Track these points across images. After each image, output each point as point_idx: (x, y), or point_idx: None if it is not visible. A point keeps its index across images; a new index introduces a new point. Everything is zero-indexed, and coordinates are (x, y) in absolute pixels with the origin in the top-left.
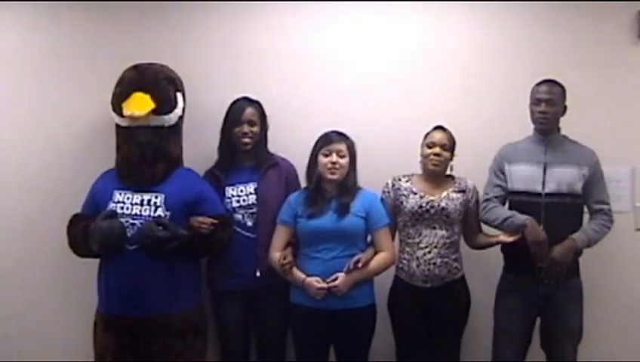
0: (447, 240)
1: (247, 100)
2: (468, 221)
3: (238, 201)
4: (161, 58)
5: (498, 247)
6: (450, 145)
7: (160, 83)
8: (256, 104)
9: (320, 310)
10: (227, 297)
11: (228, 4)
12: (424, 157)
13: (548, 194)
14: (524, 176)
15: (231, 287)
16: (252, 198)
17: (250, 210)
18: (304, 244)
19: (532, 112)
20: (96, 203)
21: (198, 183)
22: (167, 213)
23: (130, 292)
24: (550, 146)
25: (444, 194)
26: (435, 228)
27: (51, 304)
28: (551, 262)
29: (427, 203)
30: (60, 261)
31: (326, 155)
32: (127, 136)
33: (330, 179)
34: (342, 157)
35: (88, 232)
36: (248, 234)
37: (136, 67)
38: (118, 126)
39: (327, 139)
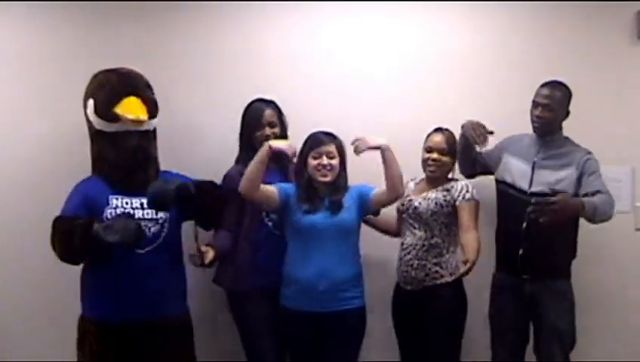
0: (426, 243)
1: (263, 102)
2: (458, 218)
3: None
4: (159, 59)
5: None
6: (450, 149)
7: (146, 87)
8: (273, 104)
9: (310, 313)
10: (255, 296)
11: (226, 4)
12: (423, 161)
13: (533, 193)
14: (514, 170)
15: (260, 286)
16: None
17: None
18: (297, 243)
19: (530, 113)
20: (90, 208)
21: (182, 178)
22: (167, 215)
23: (142, 296)
24: (544, 147)
25: (424, 194)
26: (415, 228)
27: (40, 308)
28: (548, 201)
29: (406, 202)
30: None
31: (315, 158)
32: (115, 141)
33: (323, 181)
34: (332, 158)
35: (94, 228)
36: (278, 232)
37: (114, 71)
38: (100, 132)
39: (315, 141)
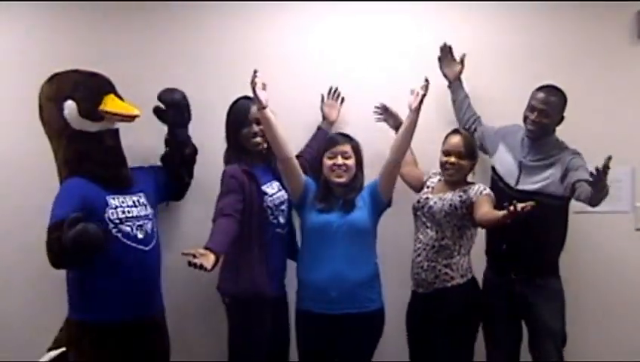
0: (436, 243)
1: (249, 99)
2: (476, 208)
3: (273, 201)
4: (150, 60)
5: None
6: (468, 151)
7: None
8: None
9: (324, 315)
10: (263, 303)
11: (218, 4)
12: (441, 164)
13: (519, 191)
14: (505, 164)
15: (270, 291)
16: (280, 195)
17: (281, 208)
18: (311, 244)
19: (524, 116)
20: (88, 210)
21: (147, 169)
22: (152, 210)
23: (148, 293)
24: (533, 150)
25: (440, 194)
26: (427, 227)
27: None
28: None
29: (423, 200)
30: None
31: (330, 158)
32: (100, 141)
33: (338, 182)
34: (347, 158)
35: (62, 244)
36: (282, 231)
37: (76, 72)
38: (80, 133)
39: (330, 141)
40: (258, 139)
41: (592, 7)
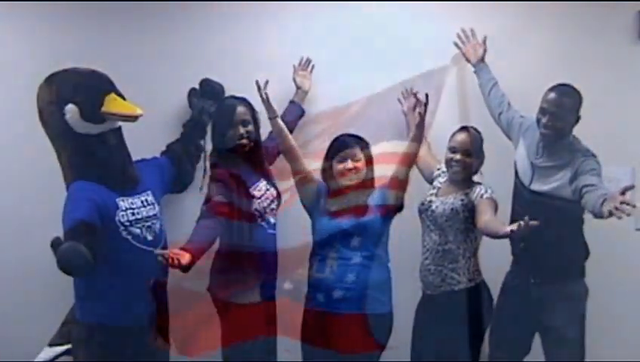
0: (439, 248)
1: (235, 98)
2: (476, 213)
3: (261, 204)
4: (151, 59)
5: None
6: (475, 149)
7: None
8: (245, 101)
9: (336, 315)
10: (260, 309)
11: (221, 4)
12: (446, 161)
13: (532, 191)
14: (521, 161)
15: (266, 295)
16: (268, 195)
17: (271, 207)
18: (323, 245)
19: (537, 119)
20: (102, 214)
21: (151, 161)
22: (158, 207)
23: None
24: (547, 152)
25: (443, 197)
26: (431, 230)
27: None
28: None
29: (426, 203)
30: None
31: (340, 162)
32: (104, 142)
33: (349, 186)
34: (357, 161)
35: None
36: (273, 231)
37: (75, 72)
38: (83, 136)
39: (340, 144)
40: (244, 141)
41: (591, 7)
